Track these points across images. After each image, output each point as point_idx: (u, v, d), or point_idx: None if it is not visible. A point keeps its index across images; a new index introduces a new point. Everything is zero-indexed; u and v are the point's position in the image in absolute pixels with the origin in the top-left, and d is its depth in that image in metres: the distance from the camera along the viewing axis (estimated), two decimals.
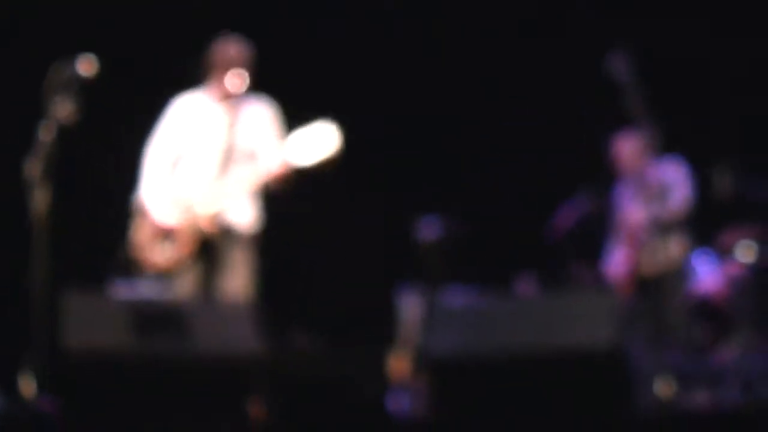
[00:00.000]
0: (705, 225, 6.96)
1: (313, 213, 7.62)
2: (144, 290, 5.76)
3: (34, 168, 5.23)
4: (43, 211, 5.19)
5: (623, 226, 6.59)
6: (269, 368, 4.86)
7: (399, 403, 6.74)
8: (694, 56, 7.63)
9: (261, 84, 6.06)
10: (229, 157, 5.97)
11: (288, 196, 6.02)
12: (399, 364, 7.05)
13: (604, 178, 6.91)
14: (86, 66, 5.27)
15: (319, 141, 5.88)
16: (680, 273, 6.65)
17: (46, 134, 5.24)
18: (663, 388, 5.45)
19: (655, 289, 6.47)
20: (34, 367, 4.87)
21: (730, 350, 6.76)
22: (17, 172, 5.27)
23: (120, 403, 4.43)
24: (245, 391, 4.67)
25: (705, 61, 7.70)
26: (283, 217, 6.32)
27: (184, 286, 5.87)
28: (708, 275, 7.16)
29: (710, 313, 7.06)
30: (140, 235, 5.95)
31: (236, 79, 5.97)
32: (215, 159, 5.98)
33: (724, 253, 7.17)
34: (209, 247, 5.91)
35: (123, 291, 5.44)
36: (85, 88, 5.25)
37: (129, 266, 5.92)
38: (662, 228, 6.52)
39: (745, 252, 7.01)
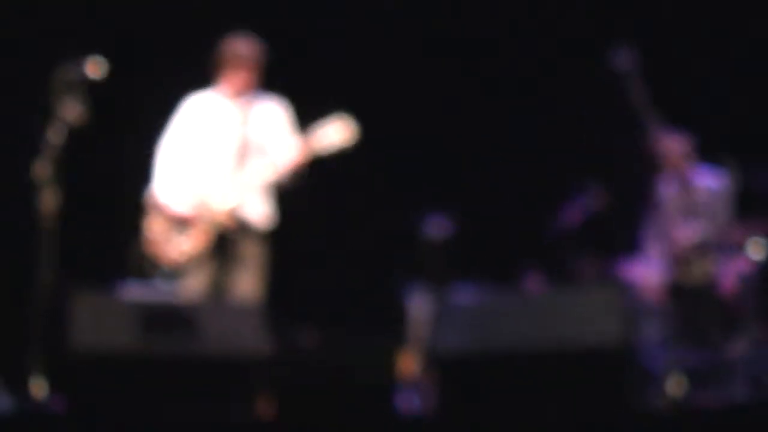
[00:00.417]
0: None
1: (320, 212, 7.62)
2: (152, 291, 5.77)
3: (42, 169, 5.25)
4: (52, 212, 5.21)
5: (673, 244, 6.61)
6: (277, 368, 4.87)
7: (407, 401, 6.75)
8: (694, 54, 7.63)
9: (267, 82, 6.07)
10: (244, 153, 5.99)
11: (297, 195, 6.04)
12: (407, 362, 7.05)
13: (619, 171, 6.91)
14: (93, 68, 5.28)
15: (337, 131, 5.94)
16: (712, 283, 6.71)
17: (54, 136, 5.26)
18: (674, 385, 5.45)
19: (688, 297, 6.55)
20: (43, 367, 4.89)
21: (739, 346, 6.75)
22: (26, 174, 5.29)
23: (128, 403, 4.45)
24: (253, 391, 4.68)
25: (706, 54, 7.69)
26: (292, 216, 6.32)
27: (197, 283, 5.88)
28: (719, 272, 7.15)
29: (719, 309, 7.04)
30: (154, 230, 5.96)
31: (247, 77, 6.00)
32: (231, 155, 5.99)
33: (733, 249, 7.16)
34: (224, 242, 5.92)
35: (131, 291, 5.44)
36: (93, 90, 5.26)
37: (143, 263, 5.93)
38: (708, 246, 6.63)
39: (755, 249, 7.01)
